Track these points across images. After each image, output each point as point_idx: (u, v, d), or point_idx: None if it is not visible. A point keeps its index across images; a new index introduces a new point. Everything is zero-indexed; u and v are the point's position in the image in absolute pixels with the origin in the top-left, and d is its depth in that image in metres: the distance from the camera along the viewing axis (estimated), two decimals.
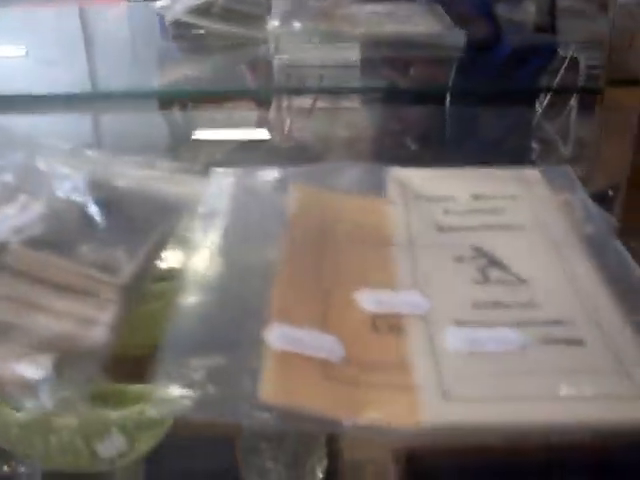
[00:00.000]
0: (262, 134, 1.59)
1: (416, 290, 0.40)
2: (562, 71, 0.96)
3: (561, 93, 0.97)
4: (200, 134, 1.60)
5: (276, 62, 0.97)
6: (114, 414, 0.38)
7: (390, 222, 0.46)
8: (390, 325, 0.38)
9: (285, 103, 2.03)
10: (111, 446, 0.41)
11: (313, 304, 0.39)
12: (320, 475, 0.66)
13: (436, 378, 0.34)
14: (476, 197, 0.48)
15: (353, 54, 1.08)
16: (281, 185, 0.49)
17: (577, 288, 0.40)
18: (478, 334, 0.36)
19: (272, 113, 1.82)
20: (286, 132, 1.64)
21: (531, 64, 1.07)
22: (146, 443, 0.39)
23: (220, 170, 0.51)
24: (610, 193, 0.99)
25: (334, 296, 0.39)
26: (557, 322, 0.37)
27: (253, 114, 1.79)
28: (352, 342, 0.36)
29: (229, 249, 0.42)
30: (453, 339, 0.36)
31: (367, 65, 1.41)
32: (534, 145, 1.13)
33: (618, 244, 0.43)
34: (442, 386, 0.33)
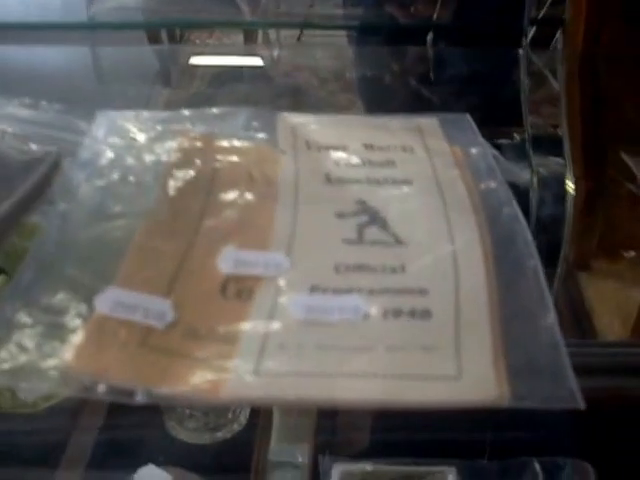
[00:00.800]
0: (251, 62, 1.55)
1: (284, 249, 0.37)
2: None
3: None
4: (190, 64, 1.56)
5: None
6: None
7: (278, 173, 0.42)
8: (240, 289, 0.34)
9: (274, 34, 1.98)
10: (33, 389, 0.41)
11: (167, 264, 0.36)
12: (244, 420, 0.65)
13: (258, 351, 0.31)
14: (368, 147, 0.44)
15: None
16: (169, 131, 0.46)
17: (452, 254, 0.36)
18: (323, 302, 0.33)
19: (260, 43, 1.78)
20: (275, 61, 1.60)
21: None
22: None
23: (107, 113, 0.47)
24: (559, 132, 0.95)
25: (194, 256, 0.36)
26: (413, 291, 0.34)
27: (241, 43, 1.75)
28: (193, 307, 0.33)
29: (96, 202, 0.40)
30: (295, 307, 0.33)
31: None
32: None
33: (512, 203, 0.40)
34: (259, 360, 0.31)
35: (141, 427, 0.62)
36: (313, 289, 0.34)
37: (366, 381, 0.30)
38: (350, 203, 0.39)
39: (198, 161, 0.42)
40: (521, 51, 1.06)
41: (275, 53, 1.81)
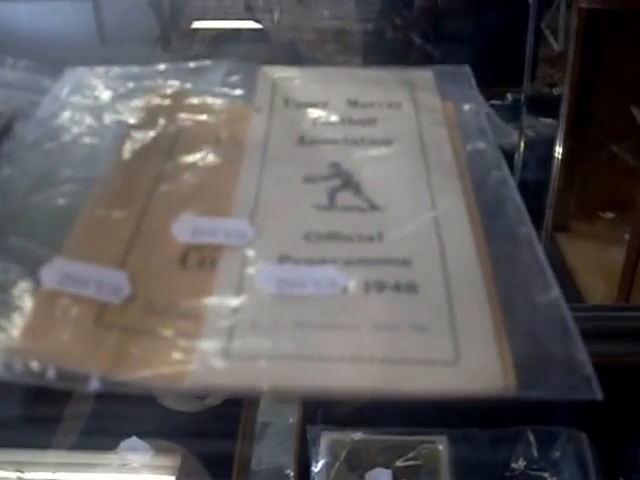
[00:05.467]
0: (252, 25, 1.52)
1: (248, 215, 0.34)
2: None
3: None
4: (190, 24, 1.53)
5: None
6: None
7: (248, 133, 0.39)
8: (201, 259, 0.32)
9: None
10: None
11: (121, 232, 0.33)
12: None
13: (228, 329, 0.28)
14: (352, 104, 0.41)
15: None
16: (140, 88, 0.43)
17: (435, 220, 0.33)
18: (296, 274, 0.31)
19: (261, 5, 1.74)
20: (274, 23, 1.57)
21: None
22: None
23: (75, 70, 0.44)
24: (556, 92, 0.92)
25: (149, 223, 0.34)
26: (395, 262, 0.31)
27: (242, 6, 1.71)
28: (151, 279, 0.31)
29: (45, 165, 0.37)
30: (265, 279, 0.30)
31: None
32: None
33: (502, 166, 0.37)
34: (229, 340, 0.28)
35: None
36: (282, 259, 0.31)
37: (353, 366, 0.27)
38: (322, 166, 0.36)
39: (162, 121, 0.39)
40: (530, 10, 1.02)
41: (275, 16, 1.77)
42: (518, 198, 0.35)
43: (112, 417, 0.60)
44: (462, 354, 0.27)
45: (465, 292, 0.30)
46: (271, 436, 0.66)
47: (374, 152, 0.37)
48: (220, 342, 0.28)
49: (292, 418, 0.65)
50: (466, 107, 0.41)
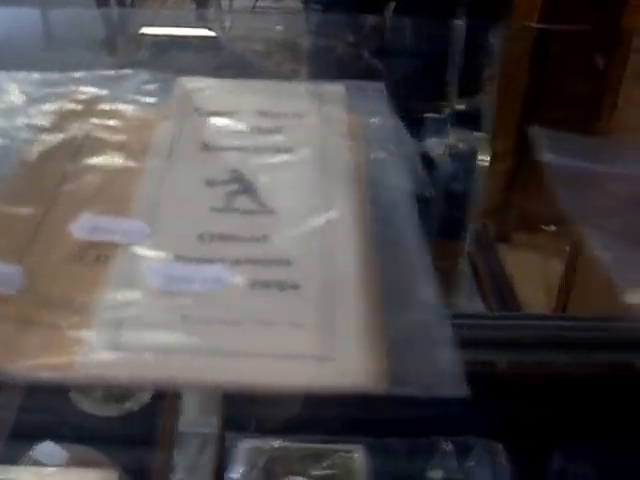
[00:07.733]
0: (202, 32, 1.52)
1: (147, 216, 0.35)
2: None
3: None
4: (138, 31, 1.52)
5: None
6: None
7: (155, 138, 0.41)
8: (98, 256, 0.33)
9: (226, 3, 1.93)
10: None
11: (22, 230, 0.34)
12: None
13: (115, 322, 0.29)
14: (261, 114, 0.43)
15: None
16: (55, 93, 0.44)
17: (321, 224, 0.35)
18: (184, 272, 0.32)
19: (213, 12, 1.74)
20: (225, 31, 1.57)
21: None
22: None
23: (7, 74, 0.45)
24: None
25: (51, 221, 0.35)
26: (277, 262, 0.33)
27: (193, 12, 1.71)
28: (47, 274, 0.32)
29: None
30: (154, 276, 0.32)
31: None
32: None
33: (399, 175, 0.39)
34: (117, 332, 0.29)
35: (44, 396, 0.60)
36: (174, 258, 0.33)
37: (231, 360, 0.28)
38: (223, 171, 0.38)
39: (71, 125, 0.41)
40: (458, 22, 1.05)
41: (226, 23, 1.78)
42: (411, 205, 0.37)
43: (27, 421, 0.60)
44: (336, 350, 0.29)
45: (344, 293, 0.31)
46: (191, 443, 0.66)
47: (275, 159, 0.39)
48: (109, 334, 0.29)
49: (212, 426, 0.66)
50: (372, 120, 0.43)
